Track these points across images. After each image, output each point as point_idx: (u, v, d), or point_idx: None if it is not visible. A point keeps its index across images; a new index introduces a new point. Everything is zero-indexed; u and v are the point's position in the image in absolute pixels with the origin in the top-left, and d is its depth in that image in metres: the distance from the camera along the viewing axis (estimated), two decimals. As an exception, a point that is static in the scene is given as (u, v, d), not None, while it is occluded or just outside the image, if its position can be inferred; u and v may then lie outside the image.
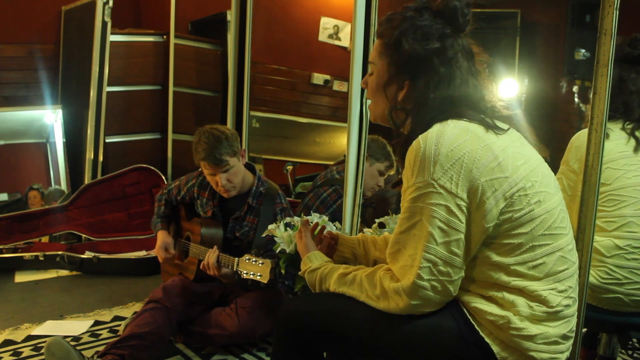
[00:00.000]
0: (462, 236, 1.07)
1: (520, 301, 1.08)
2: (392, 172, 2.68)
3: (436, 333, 1.11)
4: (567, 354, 1.13)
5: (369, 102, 1.35)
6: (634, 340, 2.27)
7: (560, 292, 1.10)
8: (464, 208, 1.06)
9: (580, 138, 1.72)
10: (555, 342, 1.10)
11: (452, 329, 1.10)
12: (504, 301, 1.09)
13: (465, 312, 1.12)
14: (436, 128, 1.10)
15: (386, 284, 1.12)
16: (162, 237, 2.43)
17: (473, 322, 1.11)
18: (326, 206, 2.58)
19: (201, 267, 2.13)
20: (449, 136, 1.07)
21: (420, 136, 1.10)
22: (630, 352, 2.27)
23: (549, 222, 1.10)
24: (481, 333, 1.10)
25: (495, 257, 1.09)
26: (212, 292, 2.30)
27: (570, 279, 1.13)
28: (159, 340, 2.03)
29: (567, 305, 1.11)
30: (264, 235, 2.21)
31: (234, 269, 1.96)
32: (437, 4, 1.18)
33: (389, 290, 1.11)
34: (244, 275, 1.87)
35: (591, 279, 1.61)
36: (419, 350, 1.12)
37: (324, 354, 1.31)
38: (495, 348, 1.09)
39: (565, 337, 1.12)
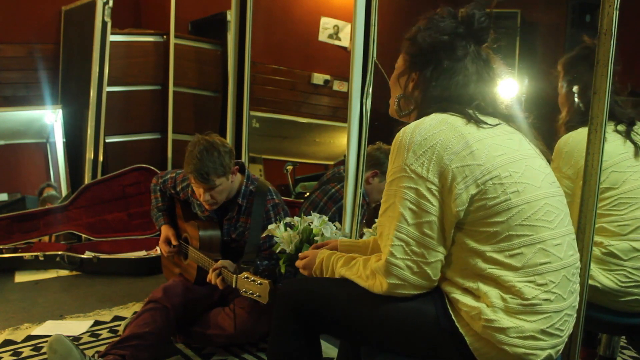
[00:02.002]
0: (434, 218, 1.12)
1: (494, 293, 1.10)
2: None
3: (415, 318, 1.15)
4: (550, 351, 1.11)
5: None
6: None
7: (539, 285, 1.10)
8: (435, 191, 1.12)
9: (569, 143, 1.71)
10: (533, 338, 1.08)
11: (430, 315, 1.15)
12: (478, 292, 1.11)
13: (446, 301, 1.16)
14: (418, 120, 1.18)
15: (372, 262, 1.19)
16: (165, 230, 2.45)
17: (451, 312, 1.14)
18: (334, 201, 2.61)
19: (207, 280, 2.12)
20: (425, 126, 1.15)
21: (403, 127, 1.18)
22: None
23: (528, 213, 1.11)
24: (457, 323, 1.13)
25: (473, 244, 1.13)
26: (212, 293, 2.29)
27: (553, 274, 1.12)
28: (159, 341, 2.03)
29: (547, 300, 1.10)
30: (263, 235, 2.22)
31: (234, 286, 1.96)
32: (461, 12, 1.27)
33: (374, 269, 1.17)
34: (243, 293, 1.88)
35: (610, 284, 1.60)
36: (398, 333, 1.17)
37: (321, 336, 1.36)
38: (468, 339, 1.11)
39: (545, 333, 1.10)
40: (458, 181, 1.10)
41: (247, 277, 1.86)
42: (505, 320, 1.08)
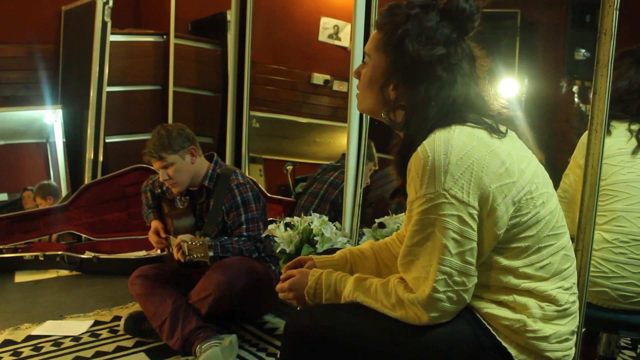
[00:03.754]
0: (474, 245, 1.06)
1: (532, 303, 1.09)
2: (375, 168, 2.81)
3: (453, 341, 1.09)
4: (574, 348, 1.15)
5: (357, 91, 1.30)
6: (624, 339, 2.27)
7: (566, 289, 1.12)
8: (475, 216, 1.05)
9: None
10: (566, 340, 1.12)
11: (468, 335, 1.10)
12: (515, 304, 1.09)
13: (479, 317, 1.12)
14: (442, 135, 1.06)
15: (400, 292, 1.10)
16: (155, 224, 2.54)
17: (489, 327, 1.11)
18: (335, 187, 2.76)
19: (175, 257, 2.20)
20: (456, 143, 1.04)
21: (425, 144, 1.06)
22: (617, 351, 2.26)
23: (552, 222, 1.11)
24: (498, 337, 1.10)
25: (504, 262, 1.09)
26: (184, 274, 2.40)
27: (573, 276, 1.15)
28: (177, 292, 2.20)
29: (573, 302, 1.14)
30: (263, 235, 2.23)
31: (187, 254, 2.06)
32: (445, 3, 1.13)
33: (405, 300, 1.09)
34: (194, 257, 2.00)
35: None
36: (437, 359, 1.11)
37: None
38: (512, 351, 1.09)
39: (573, 333, 1.14)
40: (498, 202, 1.05)
41: (191, 241, 1.96)
42: (547, 328, 1.08)
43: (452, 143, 1.04)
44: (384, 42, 1.16)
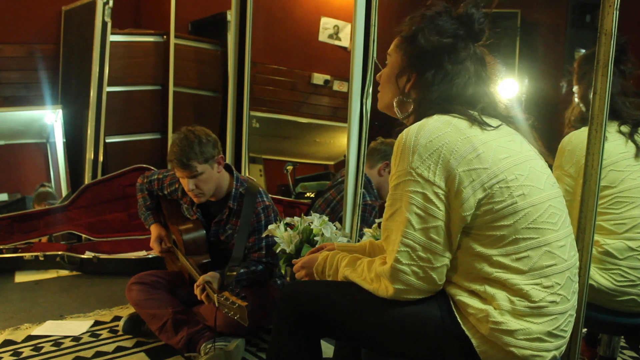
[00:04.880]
0: (440, 223, 1.11)
1: (501, 295, 1.09)
2: None
3: (420, 321, 1.15)
4: (555, 352, 1.13)
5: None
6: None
7: (545, 287, 1.10)
8: (442, 196, 1.10)
9: (572, 141, 1.71)
10: (539, 339, 1.09)
11: (435, 319, 1.14)
12: (485, 295, 1.11)
13: (451, 304, 1.15)
14: (422, 121, 1.16)
15: (376, 266, 1.18)
16: (156, 230, 2.44)
17: (456, 314, 1.13)
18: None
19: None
20: (429, 128, 1.13)
21: (405, 129, 1.16)
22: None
23: (534, 216, 1.11)
24: (462, 326, 1.12)
25: (479, 248, 1.12)
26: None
27: (559, 276, 1.12)
28: (174, 302, 2.18)
29: (554, 302, 1.11)
30: (264, 235, 2.21)
31: (216, 306, 1.93)
32: (457, 10, 1.24)
33: (379, 272, 1.16)
34: (225, 312, 1.84)
35: (606, 283, 1.60)
36: (403, 336, 1.16)
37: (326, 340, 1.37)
38: (475, 341, 1.11)
39: (551, 335, 1.11)
40: (465, 185, 1.09)
41: (226, 299, 1.80)
42: (513, 323, 1.08)
43: (425, 128, 1.13)
44: (400, 40, 1.29)
